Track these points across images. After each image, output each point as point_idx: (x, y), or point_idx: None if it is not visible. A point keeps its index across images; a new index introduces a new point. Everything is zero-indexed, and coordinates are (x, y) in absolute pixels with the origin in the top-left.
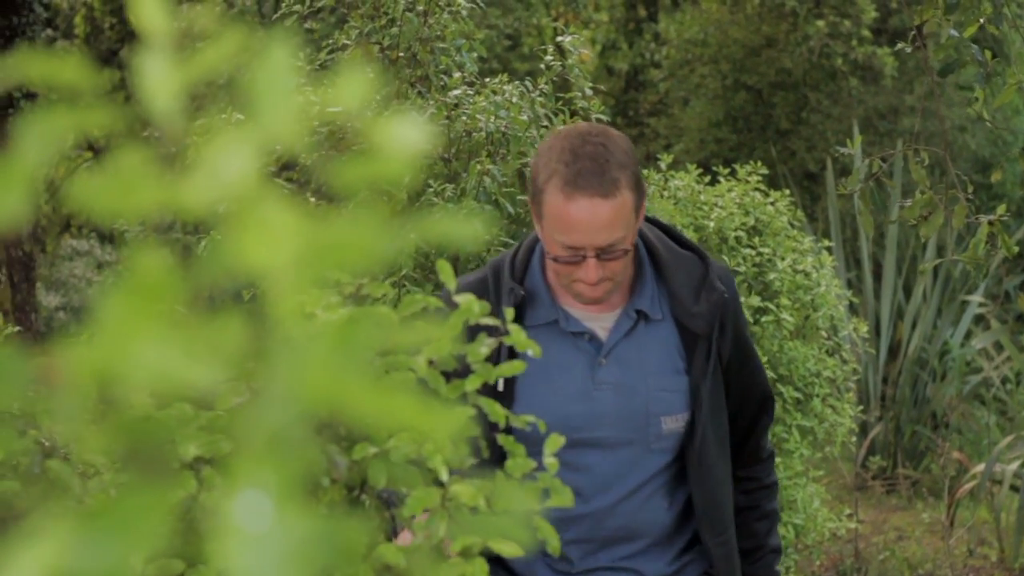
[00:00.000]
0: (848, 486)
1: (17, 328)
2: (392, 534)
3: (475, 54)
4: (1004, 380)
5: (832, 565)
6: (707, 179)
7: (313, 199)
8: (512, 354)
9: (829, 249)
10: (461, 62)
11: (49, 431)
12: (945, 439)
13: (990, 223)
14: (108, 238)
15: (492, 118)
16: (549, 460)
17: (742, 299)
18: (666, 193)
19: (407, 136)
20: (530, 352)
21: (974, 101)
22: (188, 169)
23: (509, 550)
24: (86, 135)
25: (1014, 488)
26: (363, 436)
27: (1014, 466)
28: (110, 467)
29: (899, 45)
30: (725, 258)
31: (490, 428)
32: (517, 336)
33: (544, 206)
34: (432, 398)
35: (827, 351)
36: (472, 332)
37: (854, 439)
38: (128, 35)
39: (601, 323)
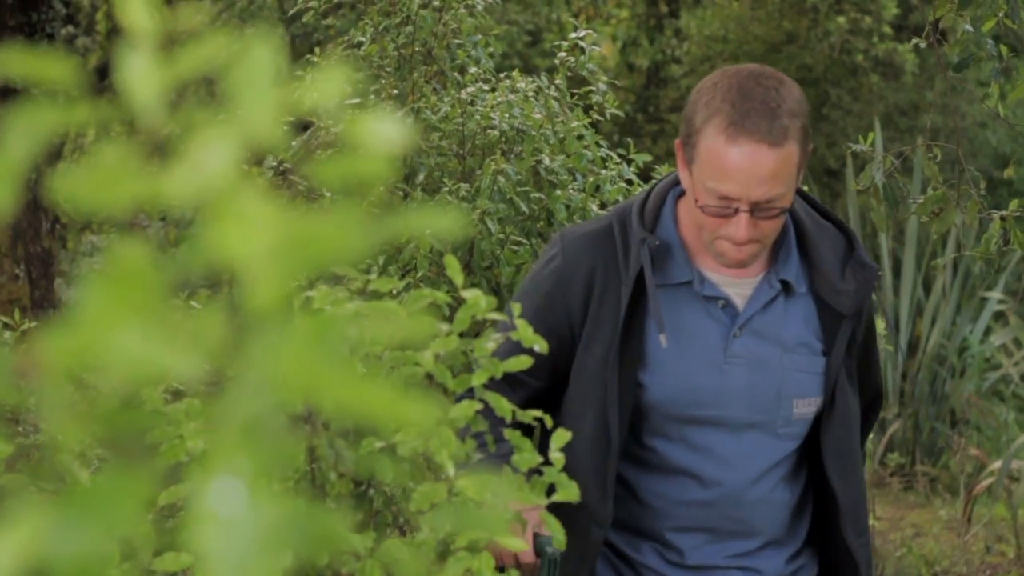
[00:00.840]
0: (867, 483)
1: (35, 324)
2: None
3: (491, 50)
4: (1023, 377)
5: None
6: None
7: (302, 197)
8: (631, 320)
9: None
10: (477, 58)
11: (32, 420)
12: (963, 436)
13: (1002, 219)
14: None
15: (506, 115)
16: (555, 455)
17: None
18: None
19: (385, 134)
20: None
21: (988, 97)
22: (170, 163)
23: (515, 544)
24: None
25: None
26: (371, 431)
27: None
28: (90, 455)
29: (915, 41)
30: None
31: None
32: (524, 332)
33: (699, 148)
34: (415, 391)
35: None
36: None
37: (872, 436)
38: None
39: (739, 289)
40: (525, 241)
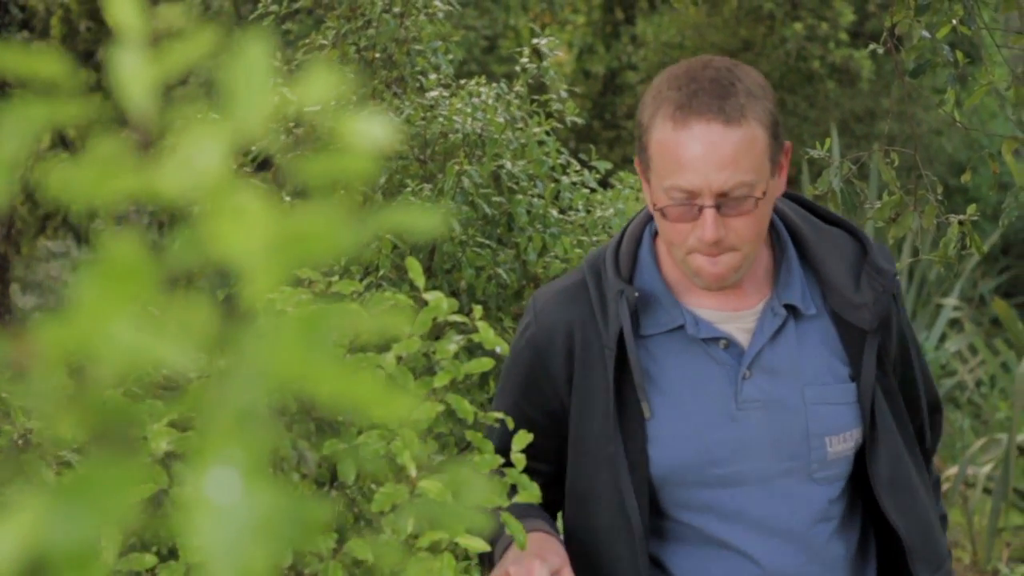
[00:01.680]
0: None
1: None
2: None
3: (451, 56)
4: (978, 383)
5: None
6: None
7: (287, 197)
8: (621, 386)
9: None
10: (437, 64)
11: (21, 412)
12: None
13: (960, 223)
14: (85, 239)
15: (468, 120)
16: (516, 456)
17: None
18: (642, 195)
19: (373, 133)
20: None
21: (945, 102)
22: (161, 160)
23: (475, 545)
24: (60, 133)
25: (987, 491)
26: (333, 432)
27: (987, 469)
28: (80, 447)
29: (872, 47)
30: None
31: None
32: (485, 334)
33: (650, 147)
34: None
35: None
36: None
37: None
38: (104, 36)
39: (740, 324)
40: (488, 243)
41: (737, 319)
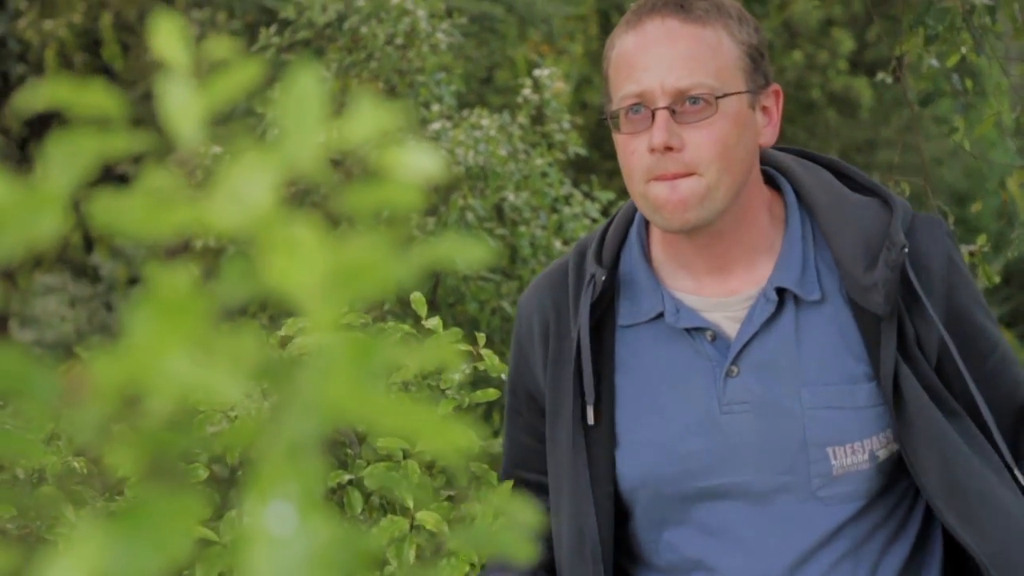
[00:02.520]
0: None
1: None
2: None
3: (454, 87)
4: None
5: None
6: None
7: (326, 225)
8: (599, 373)
9: None
10: (440, 95)
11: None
12: None
13: (971, 254)
14: (82, 273)
15: (471, 152)
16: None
17: None
18: None
19: (419, 164)
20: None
21: (954, 131)
22: (211, 191)
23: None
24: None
25: None
26: (341, 464)
27: None
28: (133, 479)
29: (879, 75)
30: None
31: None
32: (490, 361)
33: (609, 72)
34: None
35: None
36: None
37: None
38: (98, 70)
39: (728, 312)
40: (491, 276)
41: (726, 306)
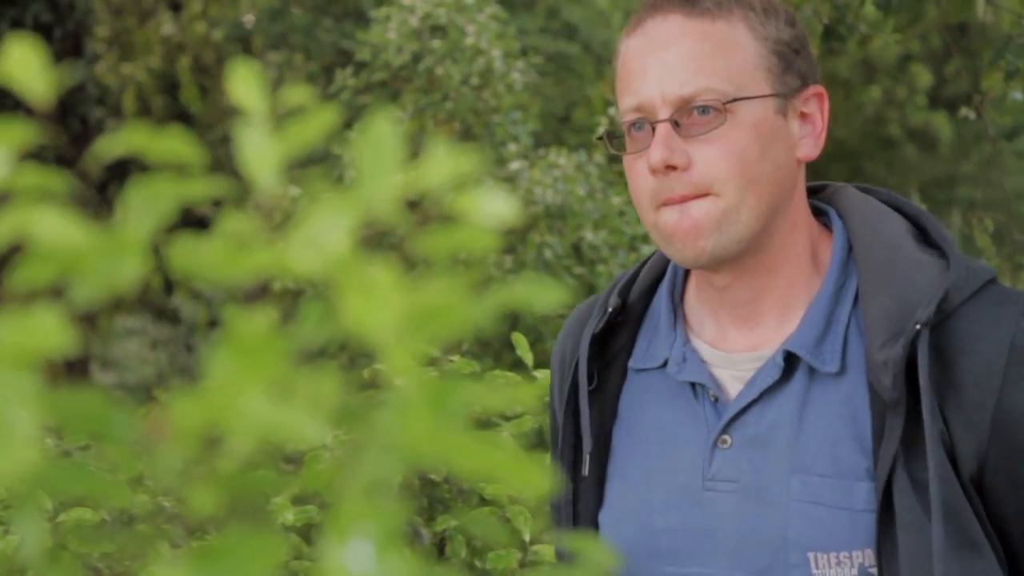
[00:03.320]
0: None
1: None
2: None
3: (530, 126)
4: None
5: None
6: None
7: (403, 267)
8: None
9: None
10: (516, 134)
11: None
12: None
13: None
14: (162, 315)
15: (548, 191)
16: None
17: None
18: None
19: (495, 208)
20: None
21: None
22: (290, 235)
23: None
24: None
25: None
26: (444, 508)
27: None
28: (213, 520)
29: (962, 111)
30: None
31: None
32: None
33: (616, 92)
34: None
35: None
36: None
37: None
38: (176, 113)
39: (736, 370)
40: (567, 313)
41: (736, 363)
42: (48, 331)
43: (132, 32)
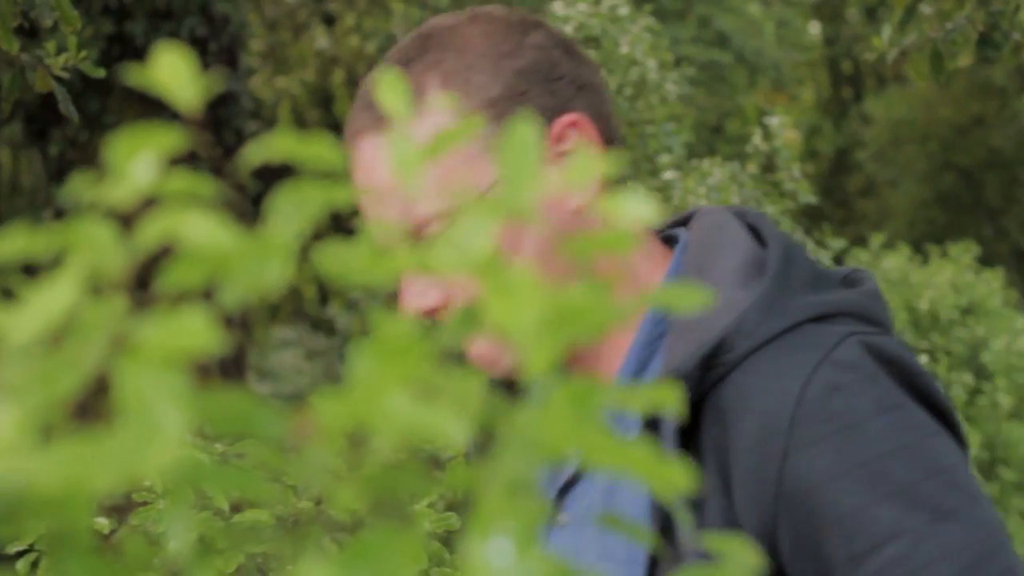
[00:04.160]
0: None
1: None
2: None
3: (683, 137)
4: None
5: None
6: (918, 260)
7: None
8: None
9: None
10: (669, 145)
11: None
12: None
13: None
14: (318, 326)
15: (703, 202)
16: None
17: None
18: (877, 274)
19: (636, 212)
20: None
21: None
22: (433, 239)
23: None
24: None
25: None
26: None
27: None
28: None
29: None
30: (938, 338)
31: None
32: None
33: None
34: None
35: None
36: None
37: None
38: (330, 125)
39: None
40: None
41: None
42: (196, 332)
43: (286, 46)
